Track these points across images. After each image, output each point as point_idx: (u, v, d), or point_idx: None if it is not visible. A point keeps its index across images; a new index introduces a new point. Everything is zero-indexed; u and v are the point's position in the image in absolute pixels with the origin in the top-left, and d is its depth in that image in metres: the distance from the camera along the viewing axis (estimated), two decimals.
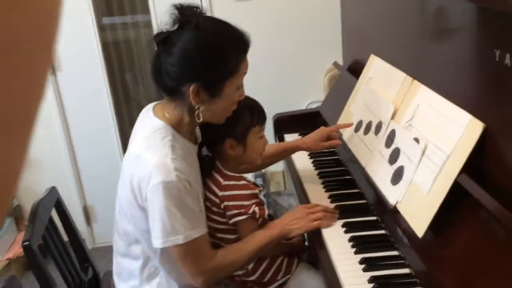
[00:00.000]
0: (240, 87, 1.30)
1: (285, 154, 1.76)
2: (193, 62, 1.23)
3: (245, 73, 1.30)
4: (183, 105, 1.28)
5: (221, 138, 1.37)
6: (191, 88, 1.23)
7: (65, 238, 1.64)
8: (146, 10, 2.79)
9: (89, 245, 2.88)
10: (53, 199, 1.60)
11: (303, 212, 1.41)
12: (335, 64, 2.26)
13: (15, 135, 0.27)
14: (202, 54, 1.23)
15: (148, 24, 2.86)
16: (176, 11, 1.24)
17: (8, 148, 0.27)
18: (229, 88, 1.27)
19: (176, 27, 1.23)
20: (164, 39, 1.24)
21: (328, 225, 1.41)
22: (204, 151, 1.42)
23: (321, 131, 1.69)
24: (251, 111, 1.40)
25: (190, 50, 1.22)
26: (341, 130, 1.76)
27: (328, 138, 1.67)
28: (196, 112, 1.27)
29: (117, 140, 2.83)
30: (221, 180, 1.38)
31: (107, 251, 2.84)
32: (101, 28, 2.81)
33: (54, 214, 1.59)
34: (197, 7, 1.27)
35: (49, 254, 1.50)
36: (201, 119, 1.28)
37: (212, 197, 1.37)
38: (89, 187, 2.87)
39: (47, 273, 1.39)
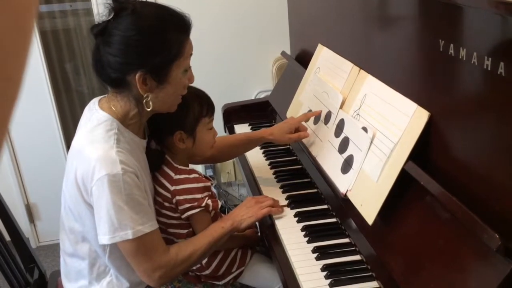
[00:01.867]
0: (187, 69, 1.27)
1: (250, 146, 1.68)
2: (135, 49, 1.19)
3: (191, 55, 1.27)
4: (130, 96, 1.24)
5: (170, 131, 1.34)
6: (137, 76, 1.19)
7: (7, 238, 1.56)
8: None
9: (33, 244, 2.77)
10: None
11: (252, 202, 1.42)
12: (283, 53, 2.27)
13: None
14: (144, 39, 1.19)
15: (89, 12, 2.76)
16: (110, 0, 1.20)
17: None
18: (176, 72, 1.23)
19: (112, 16, 1.19)
20: (101, 30, 1.19)
21: (278, 212, 1.43)
22: (153, 145, 1.39)
23: (290, 122, 1.60)
24: (199, 102, 1.37)
25: (131, 37, 1.18)
26: None
27: (296, 129, 1.60)
28: (145, 100, 1.23)
29: (59, 133, 2.72)
30: (172, 174, 1.36)
31: (52, 249, 2.75)
32: (38, 16, 2.68)
33: None
34: None
35: None
36: (151, 107, 1.24)
37: (163, 192, 1.35)
38: (31, 183, 2.75)
39: None
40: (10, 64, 0.28)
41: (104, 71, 1.22)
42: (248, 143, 1.66)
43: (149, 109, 1.24)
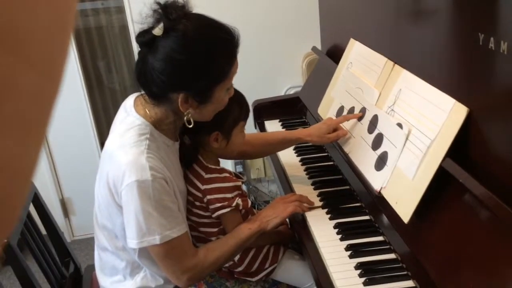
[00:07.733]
0: (229, 88, 1.26)
1: (285, 145, 1.66)
2: (181, 72, 1.17)
3: (235, 74, 1.25)
4: (169, 109, 1.23)
5: (208, 131, 1.34)
6: (180, 97, 1.18)
7: (44, 231, 1.60)
8: None
9: (67, 237, 2.83)
10: (30, 194, 1.55)
11: (279, 202, 1.41)
12: (314, 48, 2.25)
13: (30, 132, 0.27)
14: (191, 63, 1.17)
15: (120, 9, 2.79)
16: (159, 9, 1.15)
17: (23, 146, 0.26)
18: (220, 93, 1.22)
19: (160, 29, 1.14)
20: (148, 43, 1.16)
21: (304, 210, 1.42)
22: (186, 139, 1.39)
23: (328, 123, 1.56)
24: (240, 106, 1.37)
25: (179, 60, 1.15)
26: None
27: (334, 129, 1.56)
28: (186, 118, 1.22)
29: (92, 128, 2.77)
30: (203, 173, 1.36)
31: (87, 243, 2.80)
32: None
33: (31, 208, 1.55)
34: (182, 5, 1.17)
35: (28, 249, 1.46)
36: (192, 125, 1.23)
37: (195, 191, 1.35)
38: (66, 178, 2.81)
39: (27, 268, 1.35)
40: (52, 63, 0.28)
41: (148, 84, 1.20)
42: (284, 143, 1.64)
43: (190, 126, 1.23)
